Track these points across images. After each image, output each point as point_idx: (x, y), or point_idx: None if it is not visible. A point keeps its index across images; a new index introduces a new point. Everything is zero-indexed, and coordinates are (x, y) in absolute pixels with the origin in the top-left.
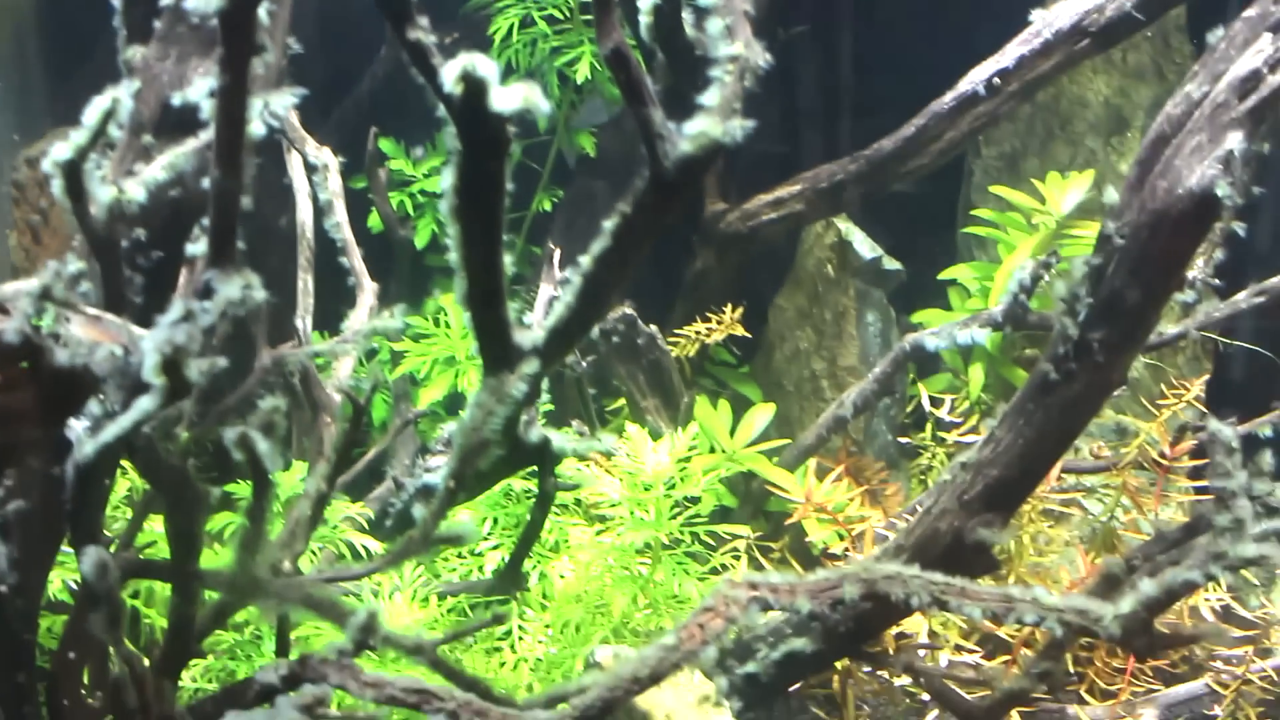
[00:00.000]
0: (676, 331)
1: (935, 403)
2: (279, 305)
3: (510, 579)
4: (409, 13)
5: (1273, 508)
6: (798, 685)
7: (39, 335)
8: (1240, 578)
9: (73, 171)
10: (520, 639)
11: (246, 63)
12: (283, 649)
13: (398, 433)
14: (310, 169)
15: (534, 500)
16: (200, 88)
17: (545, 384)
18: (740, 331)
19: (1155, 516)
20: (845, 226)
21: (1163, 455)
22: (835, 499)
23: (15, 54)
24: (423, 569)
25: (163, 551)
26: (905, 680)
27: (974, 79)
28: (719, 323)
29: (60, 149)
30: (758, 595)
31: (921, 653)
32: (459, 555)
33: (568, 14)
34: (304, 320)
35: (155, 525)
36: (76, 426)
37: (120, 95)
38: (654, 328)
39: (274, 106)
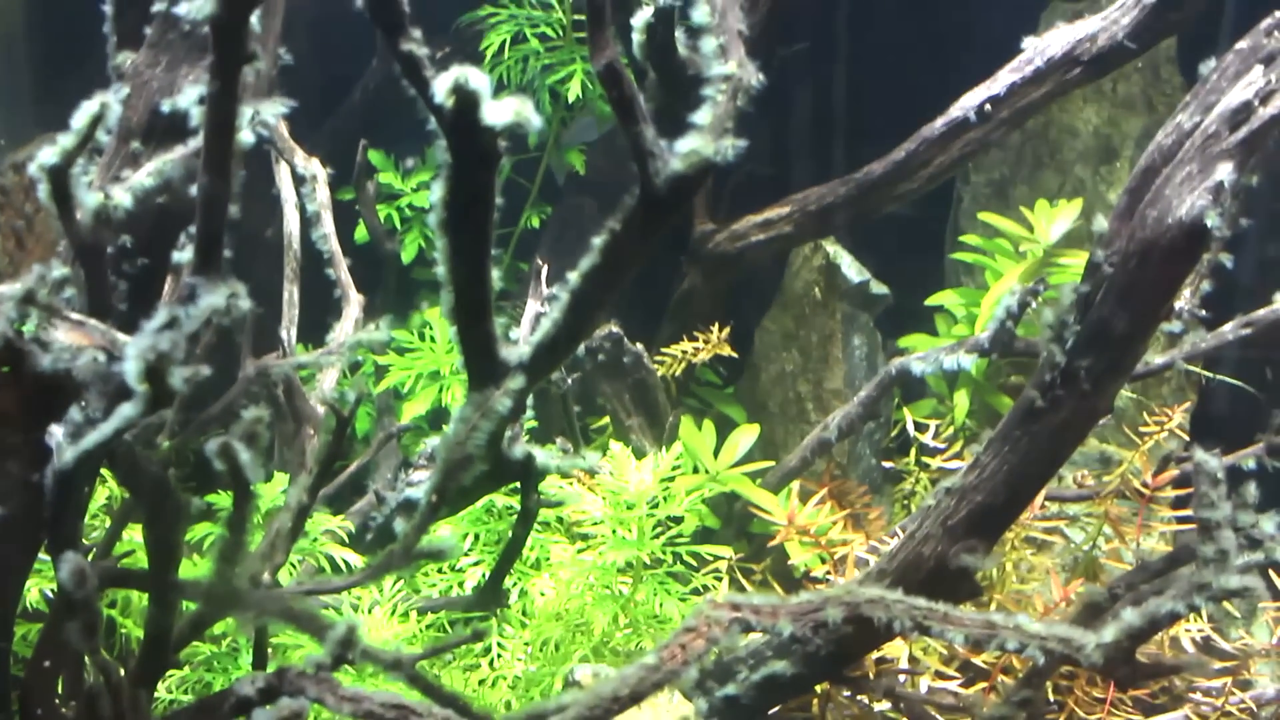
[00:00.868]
0: (663, 351)
1: (920, 428)
2: (263, 316)
3: (491, 595)
4: (402, 24)
5: (1256, 540)
6: (777, 708)
7: (21, 339)
8: (1222, 609)
9: (59, 176)
10: (499, 656)
11: (237, 70)
12: (260, 661)
13: (380, 446)
14: (299, 180)
15: (516, 517)
16: (190, 95)
17: (530, 400)
18: (727, 351)
19: (1137, 546)
20: (833, 249)
21: (1145, 485)
22: (818, 522)
23: (2, 60)
24: (402, 584)
25: (141, 561)
26: (885, 705)
27: (965, 105)
28: (705, 343)
29: (47, 153)
30: (740, 616)
31: (902, 678)
32: (439, 571)
33: (560, 32)
34: (288, 331)
35: (133, 535)
36: (56, 433)
37: (109, 100)
38: (640, 346)
39: (264, 115)
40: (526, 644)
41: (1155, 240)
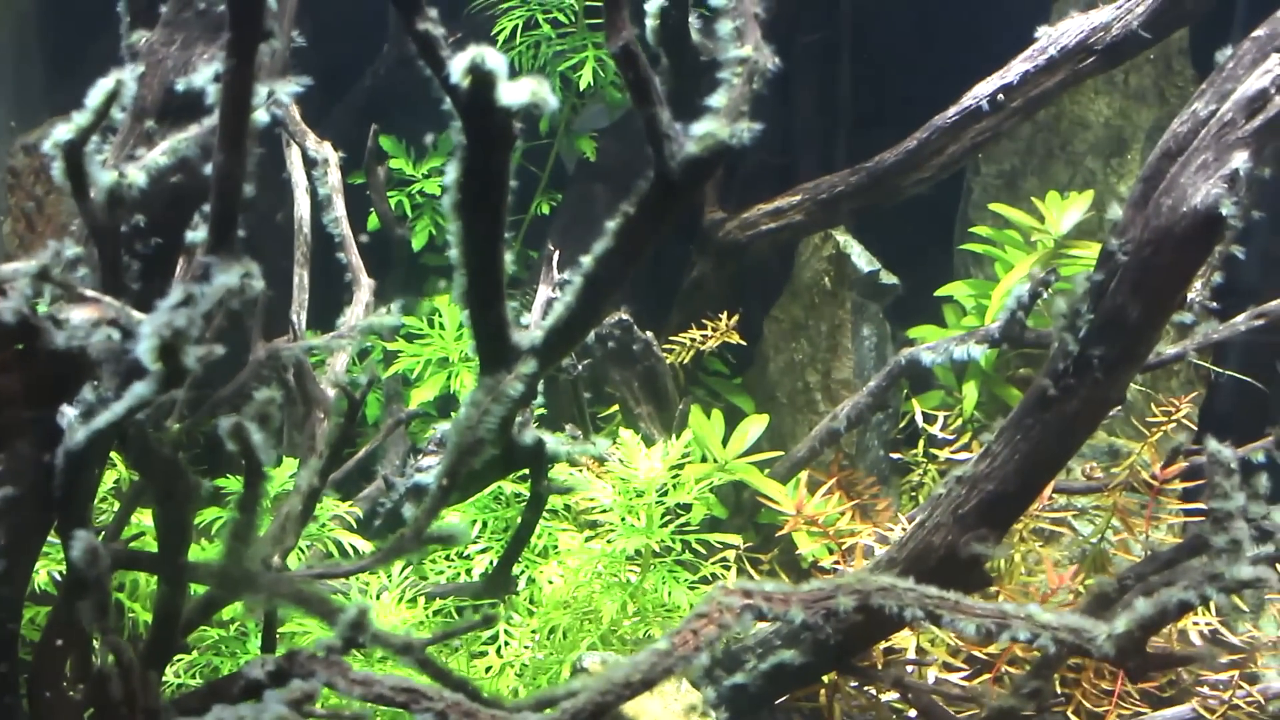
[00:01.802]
0: (671, 339)
1: (928, 419)
2: (272, 299)
3: (499, 582)
4: (418, 4)
5: (1267, 531)
6: (785, 698)
7: (36, 316)
8: (1230, 603)
9: (73, 153)
10: (506, 644)
11: (254, 47)
12: (269, 645)
13: (389, 432)
14: (310, 163)
15: (525, 503)
16: (205, 73)
17: (539, 387)
18: (736, 340)
19: (1146, 538)
20: (843, 239)
21: (1154, 477)
22: (826, 512)
23: (14, 41)
24: (410, 570)
25: (150, 544)
26: (893, 696)
27: (978, 94)
28: (714, 330)
29: (62, 130)
30: (752, 603)
31: (910, 669)
32: (446, 558)
33: (572, 18)
34: (299, 315)
35: (141, 518)
36: (68, 412)
37: (124, 78)
38: (650, 334)
39: (279, 94)
40: (534, 631)
41: (1170, 228)
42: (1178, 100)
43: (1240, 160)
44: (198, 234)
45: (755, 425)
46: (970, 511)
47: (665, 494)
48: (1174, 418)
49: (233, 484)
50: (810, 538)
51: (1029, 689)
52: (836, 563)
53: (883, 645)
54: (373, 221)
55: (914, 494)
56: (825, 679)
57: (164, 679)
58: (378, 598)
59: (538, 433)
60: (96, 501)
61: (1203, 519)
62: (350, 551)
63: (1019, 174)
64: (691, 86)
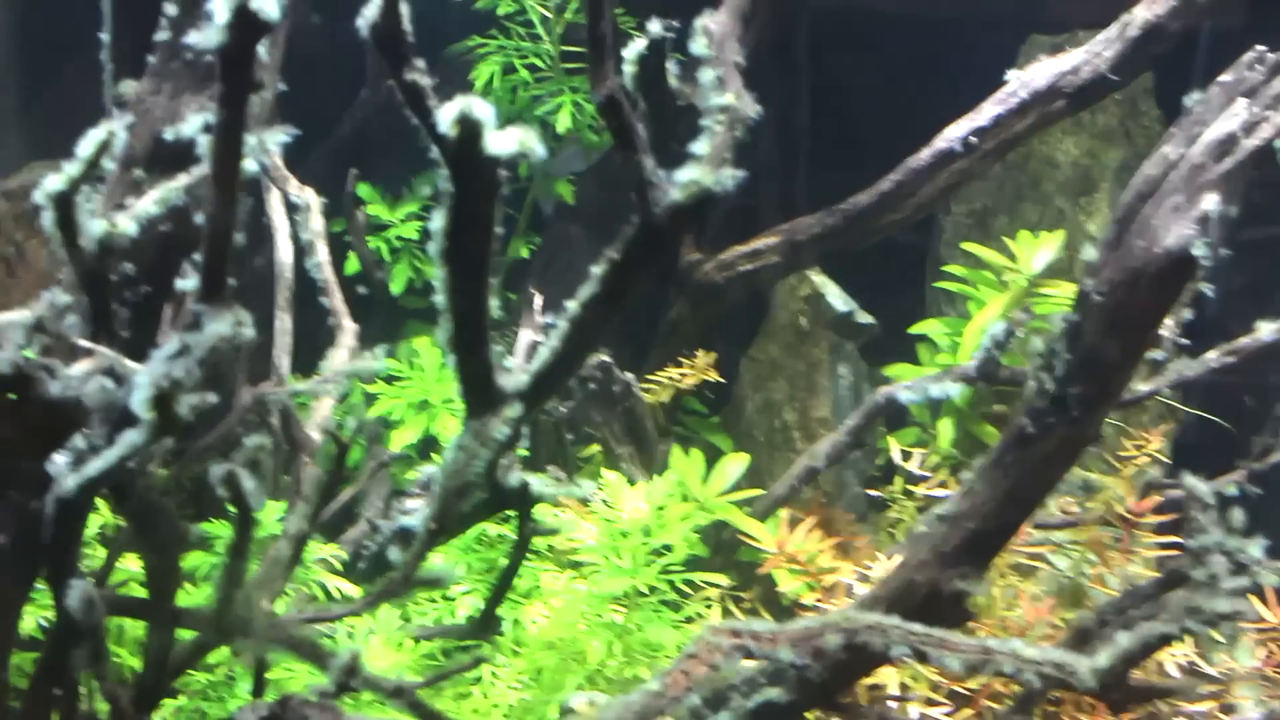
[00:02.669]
0: (649, 378)
1: (905, 455)
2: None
3: (486, 624)
4: (406, 55)
5: (1242, 564)
6: None
7: (30, 366)
8: (1206, 634)
9: (64, 203)
10: (492, 685)
11: (245, 99)
12: (259, 689)
13: (373, 474)
14: (291, 208)
15: (507, 544)
16: (194, 122)
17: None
18: (714, 378)
19: (1122, 572)
20: (819, 279)
21: (1129, 511)
22: (807, 550)
23: None
24: (395, 611)
25: (136, 590)
26: None
27: (950, 136)
28: (692, 369)
29: (53, 181)
30: (741, 643)
31: (892, 705)
32: (430, 599)
33: (549, 62)
34: (282, 359)
35: (126, 562)
36: (57, 459)
37: (116, 129)
38: (630, 375)
39: (268, 143)
40: (520, 673)
41: (1143, 269)
42: (1144, 140)
43: (1211, 202)
44: (186, 281)
45: (735, 464)
46: (952, 550)
47: (649, 534)
48: (1145, 452)
49: (217, 528)
50: (791, 575)
51: None
52: (818, 600)
53: (866, 682)
54: (351, 265)
55: (892, 530)
56: (809, 716)
57: None
58: (365, 640)
59: (523, 475)
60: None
61: (1177, 552)
62: (336, 594)
63: (990, 213)
64: (668, 130)
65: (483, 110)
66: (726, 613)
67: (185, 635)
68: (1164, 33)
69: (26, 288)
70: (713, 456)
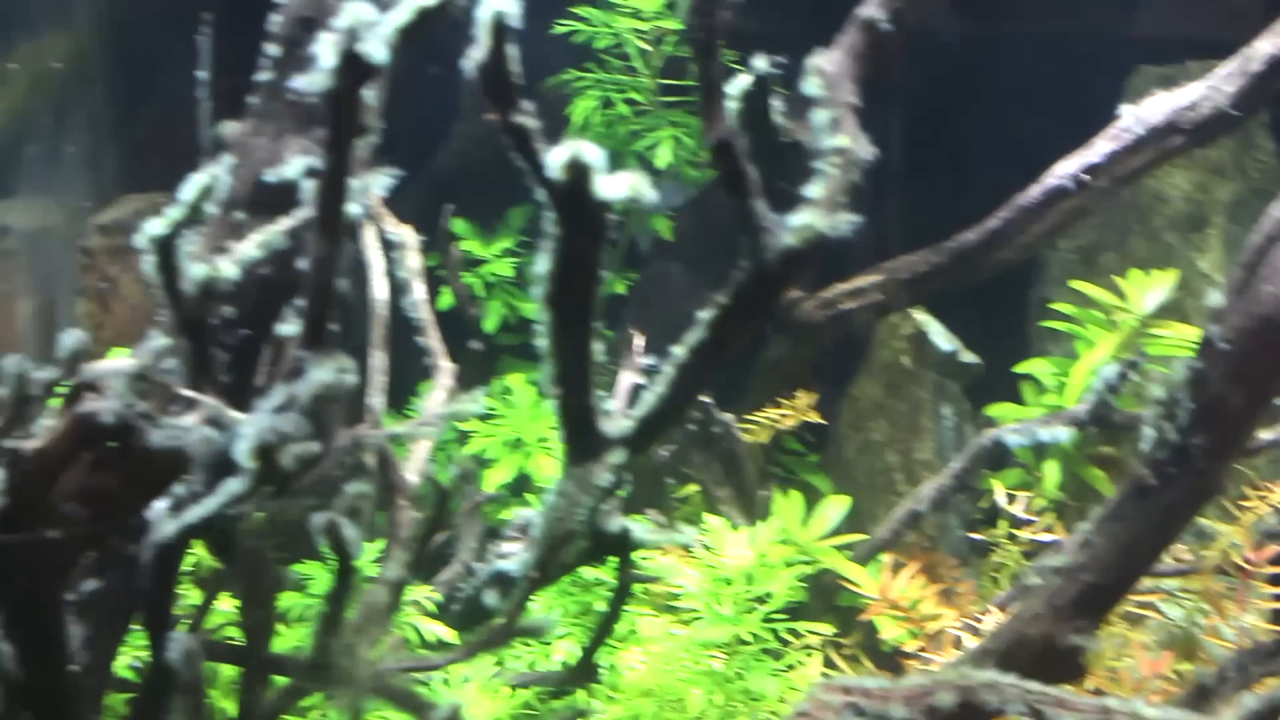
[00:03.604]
0: (747, 418)
1: (1009, 498)
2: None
3: (584, 671)
4: (513, 98)
5: None
6: None
7: (133, 415)
8: None
9: (166, 247)
10: None
11: (351, 143)
12: None
13: (467, 515)
14: (387, 245)
15: (604, 588)
16: (296, 165)
17: None
18: (815, 418)
19: (1236, 623)
20: (922, 317)
21: (1247, 560)
22: (910, 596)
23: (88, 120)
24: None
25: (229, 631)
26: None
27: (1061, 173)
28: (793, 410)
29: (153, 224)
30: (852, 700)
31: None
32: (524, 643)
33: (647, 96)
34: (377, 400)
35: (221, 603)
36: (156, 504)
37: (219, 172)
38: (729, 416)
39: (372, 187)
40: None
41: (1273, 316)
42: (1258, 175)
43: None
44: (286, 326)
45: (836, 507)
46: (1068, 603)
47: (752, 580)
48: (1268, 501)
49: (311, 568)
50: (893, 622)
51: None
52: (921, 648)
53: None
54: (445, 300)
55: (995, 575)
56: None
57: None
58: (460, 686)
59: (623, 520)
60: None
61: None
62: (429, 638)
63: (1097, 249)
64: (775, 169)
65: (592, 154)
66: (828, 661)
67: (279, 681)
68: None
69: (119, 323)
70: (811, 498)
